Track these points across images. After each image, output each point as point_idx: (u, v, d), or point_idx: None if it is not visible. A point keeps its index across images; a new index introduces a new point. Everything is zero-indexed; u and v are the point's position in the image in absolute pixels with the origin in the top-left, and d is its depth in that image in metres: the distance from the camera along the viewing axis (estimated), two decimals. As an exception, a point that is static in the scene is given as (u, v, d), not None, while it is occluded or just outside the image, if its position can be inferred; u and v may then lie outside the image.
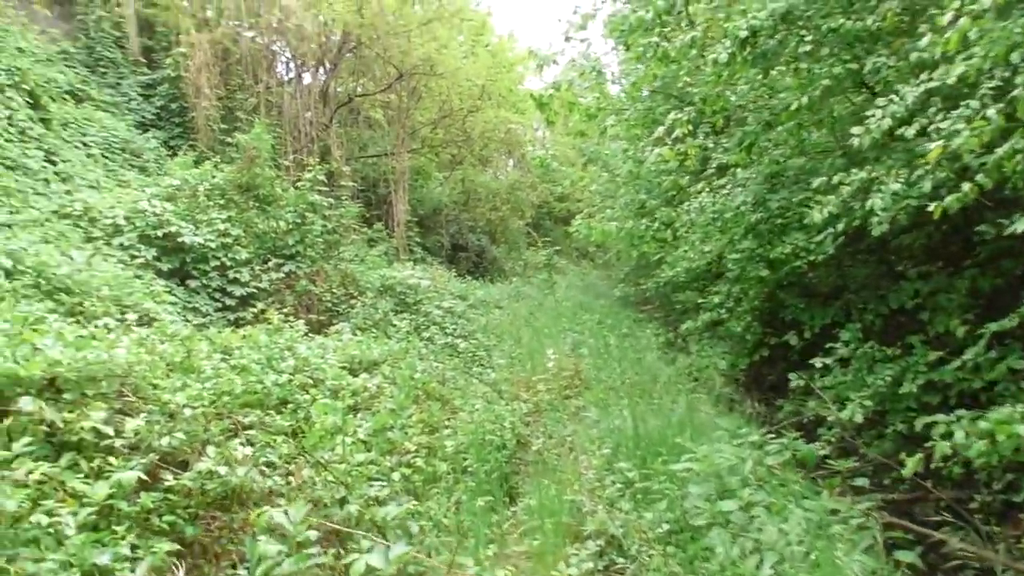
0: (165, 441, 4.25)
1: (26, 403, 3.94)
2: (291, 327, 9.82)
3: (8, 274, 8.72)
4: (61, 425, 4.06)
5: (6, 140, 15.30)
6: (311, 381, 7.84)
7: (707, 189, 10.94)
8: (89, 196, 13.24)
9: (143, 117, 22.37)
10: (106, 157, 19.17)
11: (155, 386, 5.06)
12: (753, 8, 6.87)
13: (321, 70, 26.03)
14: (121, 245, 12.20)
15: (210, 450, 4.35)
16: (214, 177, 14.14)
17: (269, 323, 9.82)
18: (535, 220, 38.64)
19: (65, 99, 20.13)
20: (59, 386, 4.33)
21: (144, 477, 3.86)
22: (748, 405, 9.42)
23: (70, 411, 4.11)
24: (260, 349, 8.36)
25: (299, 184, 14.69)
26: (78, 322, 8.75)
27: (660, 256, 13.63)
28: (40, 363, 4.18)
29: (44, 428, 4.06)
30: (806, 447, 6.48)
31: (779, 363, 11.61)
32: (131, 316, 9.87)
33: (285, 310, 13.56)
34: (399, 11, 24.20)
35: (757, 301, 10.91)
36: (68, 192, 14.91)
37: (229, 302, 13.16)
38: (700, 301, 13.03)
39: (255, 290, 13.48)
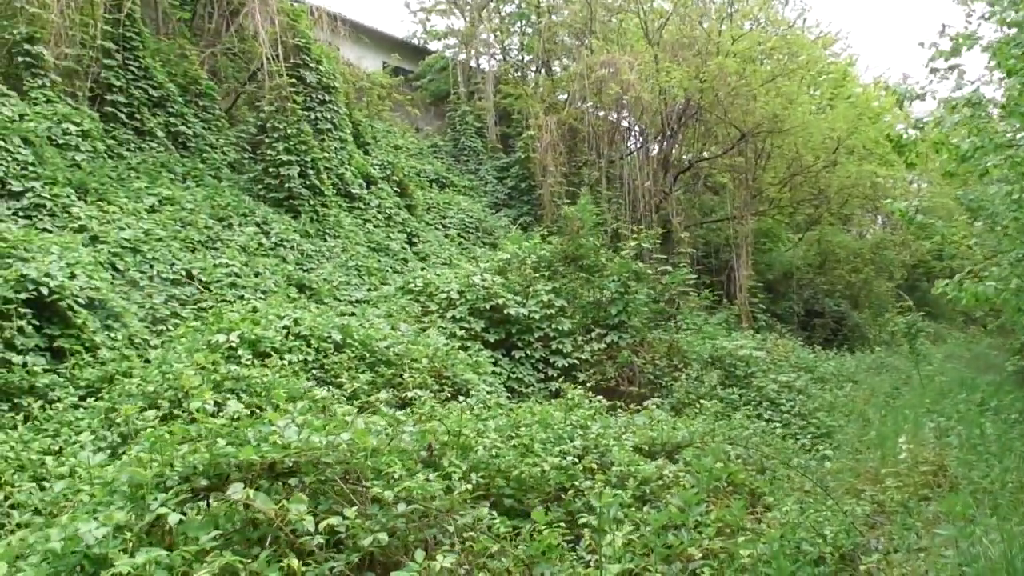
0: (368, 540, 3.79)
1: (235, 490, 3.75)
2: (589, 402, 9.22)
3: (338, 347, 9.38)
4: (270, 515, 3.81)
5: (374, 226, 17.19)
6: (596, 466, 7.09)
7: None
8: (430, 273, 14.16)
9: (496, 198, 24.02)
10: (461, 236, 20.74)
11: (396, 476, 4.65)
12: None
13: (661, 139, 25.87)
14: (453, 318, 12.75)
15: (418, 555, 3.80)
16: (542, 249, 14.33)
17: (570, 398, 9.32)
18: (909, 282, 34.06)
19: (430, 187, 22.34)
20: (279, 471, 4.13)
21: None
22: None
23: (276, 500, 3.84)
24: (551, 427, 7.84)
25: (623, 253, 14.31)
26: (394, 393, 9.09)
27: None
28: (256, 448, 4.01)
29: (252, 517, 3.84)
30: None
31: None
32: (447, 388, 10.16)
33: (606, 382, 13.12)
34: (740, 71, 23.18)
35: None
36: (423, 269, 16.21)
37: (551, 373, 13.03)
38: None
39: (577, 361, 13.22)
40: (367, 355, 9.56)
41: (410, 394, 8.95)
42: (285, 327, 9.14)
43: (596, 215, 15.12)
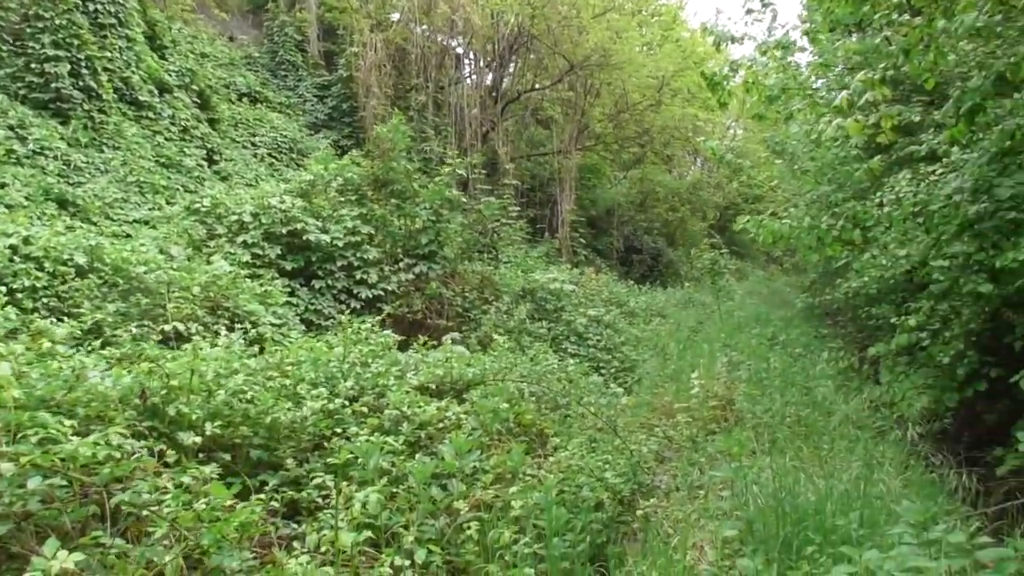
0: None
1: None
2: (376, 335, 8.36)
3: (82, 272, 7.90)
4: None
5: (166, 139, 15.21)
6: (366, 409, 6.24)
7: (908, 176, 8.22)
8: (221, 192, 12.61)
9: (316, 118, 22.24)
10: (273, 157, 19.00)
11: (43, 438, 3.49)
12: None
13: (492, 67, 24.90)
14: (244, 243, 11.38)
15: (49, 545, 2.79)
16: (349, 172, 13.09)
17: (357, 332, 8.39)
18: (720, 223, 35.51)
19: (240, 101, 20.26)
20: None
21: None
22: (951, 467, 6.68)
23: None
24: (325, 365, 6.90)
25: (437, 179, 13.34)
26: (150, 326, 7.79)
27: (846, 261, 10.88)
28: None
29: None
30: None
31: (1002, 402, 8.63)
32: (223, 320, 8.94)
33: (412, 315, 12.31)
34: (572, 2, 22.46)
35: (974, 323, 8.05)
36: (228, 190, 14.52)
37: (355, 304, 12.01)
38: (895, 320, 10.23)
39: (383, 292, 12.26)
40: (120, 282, 8.13)
41: (169, 327, 7.70)
42: (11, 247, 7.54)
43: (410, 137, 13.98)
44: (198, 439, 4.83)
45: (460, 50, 24.89)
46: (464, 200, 13.54)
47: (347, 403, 6.26)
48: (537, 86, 26.47)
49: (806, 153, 13.06)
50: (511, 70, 25.81)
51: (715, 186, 34.21)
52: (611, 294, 16.74)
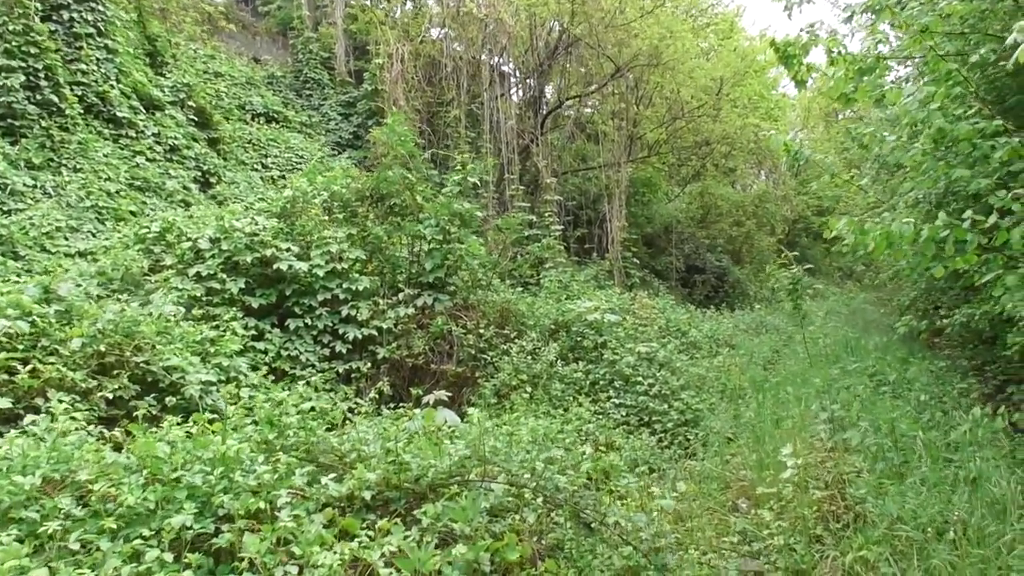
0: None
1: None
2: (310, 393, 5.46)
3: None
4: None
5: (148, 160, 12.83)
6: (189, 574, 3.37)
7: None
8: (173, 214, 10.07)
9: (340, 137, 19.77)
10: (284, 178, 16.55)
11: None
12: None
13: (531, 76, 22.09)
14: (198, 275, 8.74)
15: None
16: (336, 185, 10.38)
17: (272, 401, 5.53)
18: (789, 237, 31.71)
19: (255, 121, 17.96)
20: None
21: None
22: None
23: None
24: (198, 463, 4.06)
25: (445, 190, 10.52)
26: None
27: (982, 275, 7.48)
28: None
29: None
30: None
31: None
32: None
33: (413, 358, 9.46)
34: (615, 3, 19.51)
35: None
36: (223, 213, 12.06)
37: (340, 348, 9.25)
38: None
39: (376, 331, 9.43)
40: (-51, 335, 5.53)
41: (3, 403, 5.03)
42: None
43: (414, 142, 11.21)
44: None
45: (496, 59, 22.20)
46: (480, 215, 10.60)
47: (171, 555, 3.40)
48: (580, 93, 23.52)
49: (904, 143, 9.71)
50: (553, 80, 22.98)
51: (782, 198, 30.57)
52: (668, 322, 13.55)
